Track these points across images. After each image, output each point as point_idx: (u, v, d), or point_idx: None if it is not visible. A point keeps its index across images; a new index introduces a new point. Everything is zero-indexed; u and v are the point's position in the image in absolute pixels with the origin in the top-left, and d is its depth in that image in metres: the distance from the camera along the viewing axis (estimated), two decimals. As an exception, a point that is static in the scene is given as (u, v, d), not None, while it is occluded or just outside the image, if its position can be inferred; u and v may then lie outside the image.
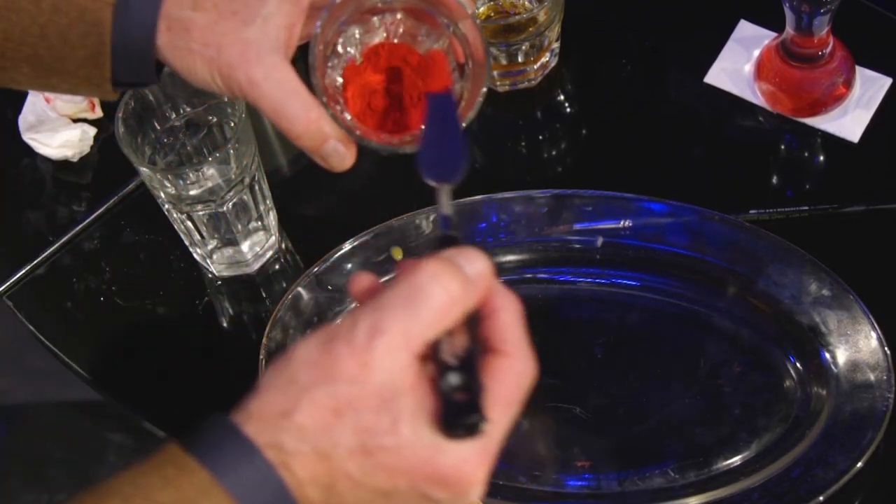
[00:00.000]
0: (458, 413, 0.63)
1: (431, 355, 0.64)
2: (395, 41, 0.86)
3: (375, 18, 0.87)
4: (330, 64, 0.85)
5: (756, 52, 1.13)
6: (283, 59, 0.82)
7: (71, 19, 0.83)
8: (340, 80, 0.85)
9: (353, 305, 0.66)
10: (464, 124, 0.81)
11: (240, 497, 0.63)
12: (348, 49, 0.86)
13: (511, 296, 0.66)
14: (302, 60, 0.84)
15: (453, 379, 0.63)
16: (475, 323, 0.65)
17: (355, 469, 0.64)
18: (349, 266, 1.06)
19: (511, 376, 0.66)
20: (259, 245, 1.09)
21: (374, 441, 0.63)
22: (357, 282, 0.69)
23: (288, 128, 0.82)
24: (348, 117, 0.84)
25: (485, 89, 0.83)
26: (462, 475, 0.64)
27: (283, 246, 1.11)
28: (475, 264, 0.65)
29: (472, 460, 0.65)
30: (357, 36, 0.86)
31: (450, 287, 0.64)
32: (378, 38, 0.87)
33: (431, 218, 1.07)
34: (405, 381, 0.63)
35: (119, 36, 0.83)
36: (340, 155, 0.84)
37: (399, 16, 0.86)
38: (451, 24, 0.85)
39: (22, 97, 1.16)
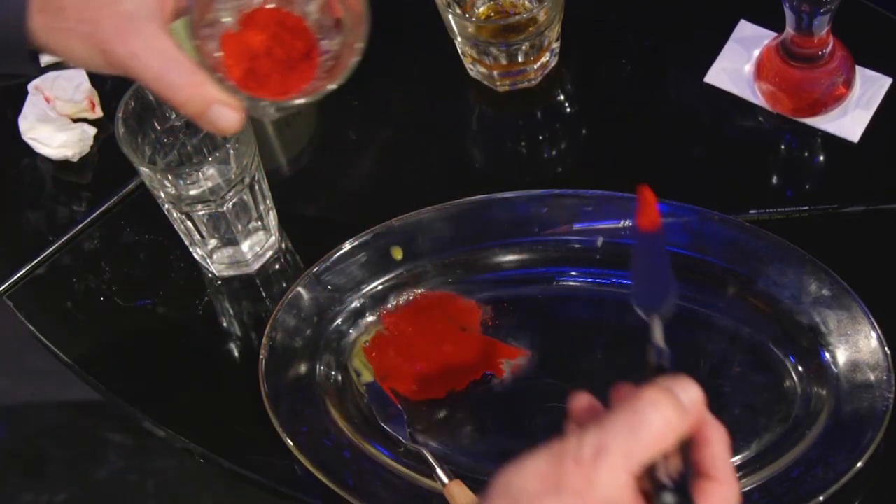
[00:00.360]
0: None
1: (647, 475, 0.68)
2: (270, 6, 0.87)
3: None
4: (208, 32, 0.84)
5: (756, 52, 1.13)
6: (160, 28, 0.82)
7: None
8: (218, 47, 0.86)
9: (572, 425, 0.73)
10: (336, 83, 0.83)
11: None
12: (224, 18, 0.86)
13: (720, 426, 0.70)
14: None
15: (668, 499, 0.67)
16: (687, 448, 0.69)
17: None
18: (349, 266, 1.06)
19: (720, 500, 0.69)
20: (259, 245, 1.09)
21: None
22: (577, 401, 0.73)
23: (172, 95, 0.82)
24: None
25: (361, 44, 0.84)
26: None
27: (283, 246, 1.11)
28: (690, 393, 0.69)
29: None
30: (232, 4, 0.87)
31: (667, 414, 0.67)
32: (254, 3, 0.87)
33: (434, 218, 1.07)
34: (624, 499, 0.67)
35: None
36: (228, 117, 0.83)
37: None
38: None
39: (22, 97, 1.16)
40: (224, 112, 0.83)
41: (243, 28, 0.87)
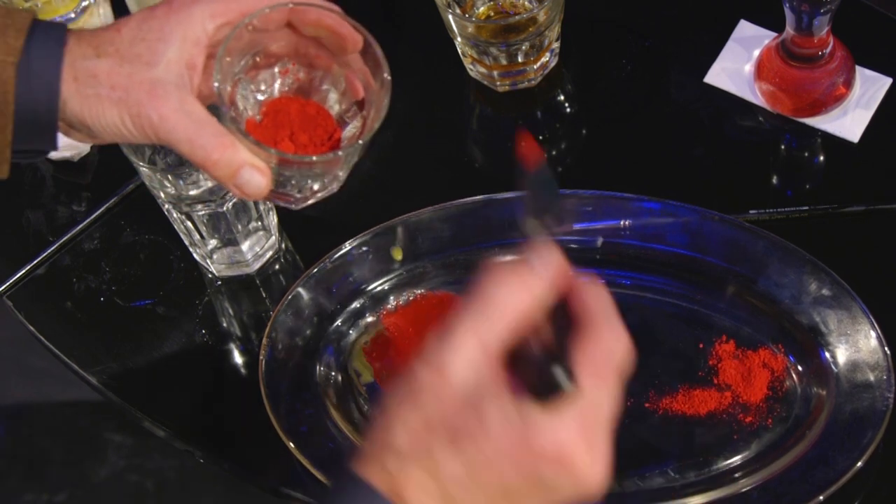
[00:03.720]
0: (545, 383, 0.66)
1: (525, 352, 0.67)
2: (290, 94, 0.90)
3: (267, 73, 0.89)
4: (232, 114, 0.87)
5: (756, 52, 1.13)
6: (189, 93, 0.84)
7: None
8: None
9: None
10: (361, 142, 0.85)
11: None
12: (246, 108, 0.89)
13: (591, 280, 0.69)
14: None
15: (542, 362, 0.66)
16: (562, 315, 0.67)
17: (462, 474, 0.66)
18: (349, 266, 1.06)
19: (598, 345, 0.68)
20: (259, 245, 1.09)
21: (468, 441, 0.66)
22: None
23: (203, 156, 0.84)
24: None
25: (383, 112, 0.86)
26: (562, 448, 0.66)
27: (283, 246, 1.11)
28: (544, 259, 0.68)
29: (566, 430, 0.66)
30: (252, 94, 0.89)
31: (512, 287, 0.67)
32: (275, 89, 0.90)
33: (434, 218, 1.07)
34: (483, 376, 0.66)
35: (23, 94, 0.83)
36: (256, 182, 0.85)
37: (292, 65, 0.89)
38: (343, 62, 0.88)
39: (22, 97, 1.16)
40: (253, 175, 0.85)
41: (265, 116, 0.88)
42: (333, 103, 0.90)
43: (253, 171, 0.85)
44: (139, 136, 0.85)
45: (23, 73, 0.83)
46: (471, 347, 0.66)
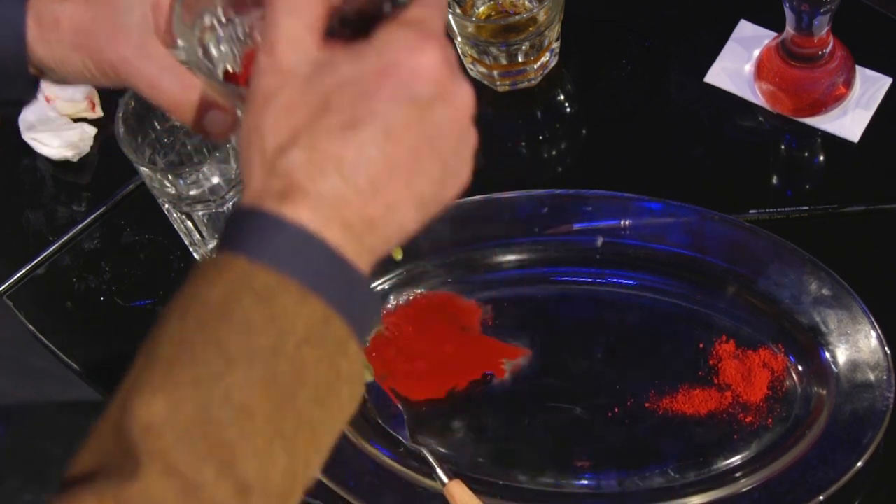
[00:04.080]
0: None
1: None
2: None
3: (240, 26, 0.86)
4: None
5: (756, 52, 1.13)
6: (152, 36, 0.83)
7: None
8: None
9: None
10: None
11: (278, 265, 0.64)
12: (222, 60, 0.85)
13: None
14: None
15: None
16: None
17: (334, 134, 0.64)
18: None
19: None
20: (259, 245, 1.09)
21: (335, 106, 0.65)
22: None
23: (165, 100, 0.83)
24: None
25: None
26: (398, 55, 0.65)
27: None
28: None
29: (399, 39, 0.65)
30: (229, 46, 0.86)
31: None
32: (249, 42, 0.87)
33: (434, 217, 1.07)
34: (309, 46, 0.65)
35: None
36: (219, 121, 0.84)
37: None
38: None
39: (22, 97, 1.16)
40: (216, 115, 0.84)
41: (244, 68, 0.87)
42: None
43: (217, 112, 0.83)
44: (103, 80, 0.84)
45: None
46: (291, 28, 0.65)
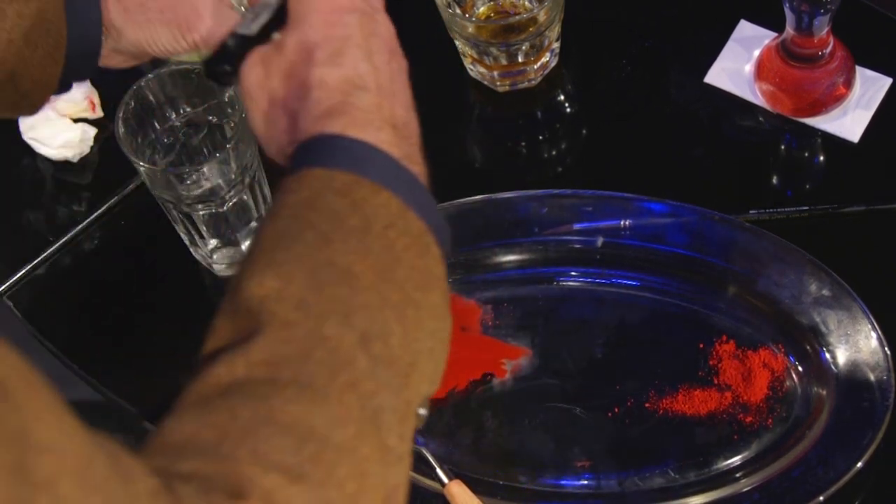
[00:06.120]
0: None
1: None
2: None
3: None
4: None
5: (756, 52, 1.13)
6: (226, 6, 0.95)
7: (33, 21, 0.91)
8: None
9: None
10: None
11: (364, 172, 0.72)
12: None
13: None
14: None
15: None
16: None
17: (329, 64, 0.75)
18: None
19: None
20: (259, 245, 1.09)
21: (309, 52, 0.76)
22: None
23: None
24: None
25: None
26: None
27: (283, 246, 1.11)
28: None
29: None
30: None
31: None
32: None
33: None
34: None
35: (72, 29, 0.92)
36: None
37: None
38: None
39: (22, 97, 1.16)
40: None
41: None
42: None
43: None
44: (190, 49, 0.94)
45: (70, 9, 0.92)
46: None
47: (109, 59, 0.97)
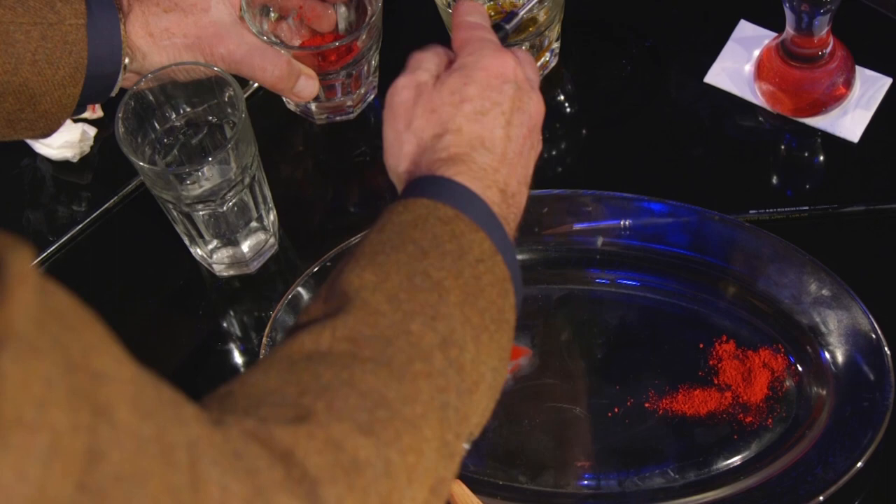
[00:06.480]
0: None
1: None
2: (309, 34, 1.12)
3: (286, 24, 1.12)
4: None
5: (756, 52, 1.13)
6: (243, 27, 1.05)
7: (55, 43, 0.97)
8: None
9: None
10: (373, 19, 1.08)
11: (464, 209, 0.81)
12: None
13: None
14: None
15: None
16: None
17: (471, 119, 0.85)
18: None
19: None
20: (259, 245, 1.09)
21: (460, 99, 0.86)
22: None
23: (269, 79, 1.04)
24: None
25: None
26: (487, 60, 0.88)
27: (283, 246, 1.11)
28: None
29: (482, 50, 0.89)
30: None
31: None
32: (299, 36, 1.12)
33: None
34: (431, 68, 0.89)
35: (93, 51, 0.99)
36: (310, 86, 1.07)
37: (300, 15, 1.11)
38: None
39: (22, 97, 1.16)
40: (308, 83, 1.07)
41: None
42: (343, 17, 1.10)
43: (307, 80, 1.06)
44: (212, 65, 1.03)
45: (92, 32, 0.99)
46: (424, 57, 0.89)
47: (129, 80, 1.03)
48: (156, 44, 1.02)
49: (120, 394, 0.56)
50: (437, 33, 1.13)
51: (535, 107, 0.88)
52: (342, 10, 1.11)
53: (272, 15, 1.10)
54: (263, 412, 0.67)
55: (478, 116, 0.84)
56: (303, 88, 1.06)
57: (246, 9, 1.05)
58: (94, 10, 0.99)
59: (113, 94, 1.03)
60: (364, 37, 1.08)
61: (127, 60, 1.02)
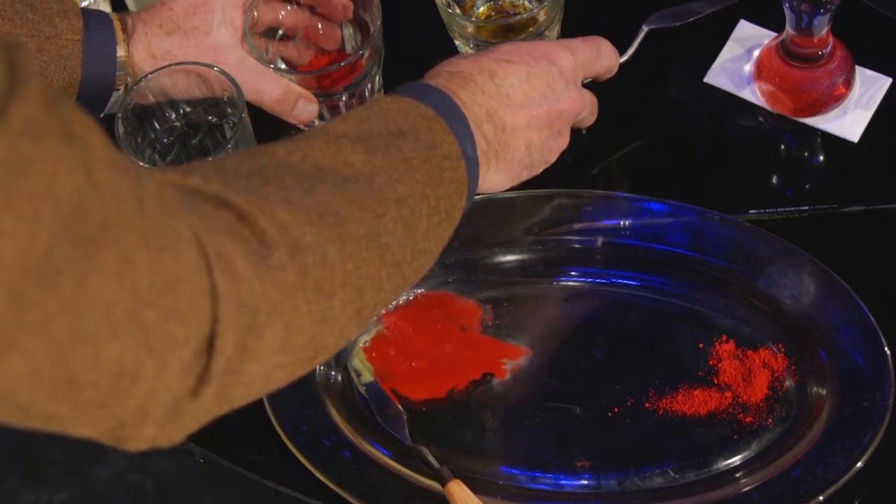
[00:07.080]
0: None
1: None
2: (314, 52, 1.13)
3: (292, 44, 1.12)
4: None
5: (756, 52, 1.13)
6: (243, 50, 1.06)
7: (51, 56, 0.99)
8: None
9: None
10: (373, 32, 1.08)
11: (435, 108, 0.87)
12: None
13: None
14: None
15: None
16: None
17: (492, 60, 0.94)
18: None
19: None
20: (259, 245, 1.09)
21: (493, 50, 0.95)
22: None
23: (268, 98, 1.06)
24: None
25: (377, 13, 1.09)
26: (547, 47, 0.97)
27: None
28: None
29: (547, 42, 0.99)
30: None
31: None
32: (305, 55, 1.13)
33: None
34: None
35: (88, 67, 1.01)
36: (309, 109, 1.08)
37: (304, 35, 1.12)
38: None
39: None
40: (307, 105, 1.08)
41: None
42: (349, 38, 1.12)
43: (306, 102, 1.07)
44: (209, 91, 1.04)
45: (87, 49, 1.01)
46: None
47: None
48: (157, 65, 1.04)
49: (99, 158, 0.60)
50: (438, 33, 1.13)
51: (569, 96, 0.95)
52: (348, 30, 1.11)
53: (279, 35, 1.11)
54: (226, 180, 0.72)
55: (501, 63, 0.92)
56: (302, 111, 1.08)
57: (249, 31, 1.06)
58: (91, 28, 1.01)
59: (101, 114, 1.04)
60: (366, 55, 1.08)
61: (129, 80, 1.04)
